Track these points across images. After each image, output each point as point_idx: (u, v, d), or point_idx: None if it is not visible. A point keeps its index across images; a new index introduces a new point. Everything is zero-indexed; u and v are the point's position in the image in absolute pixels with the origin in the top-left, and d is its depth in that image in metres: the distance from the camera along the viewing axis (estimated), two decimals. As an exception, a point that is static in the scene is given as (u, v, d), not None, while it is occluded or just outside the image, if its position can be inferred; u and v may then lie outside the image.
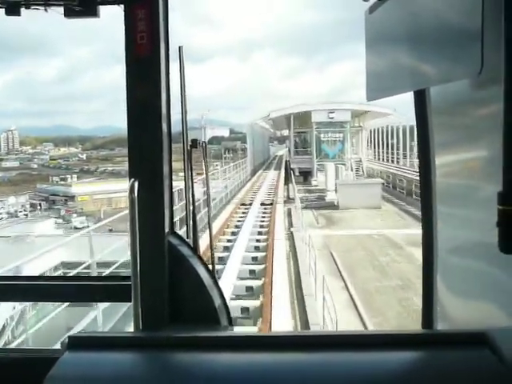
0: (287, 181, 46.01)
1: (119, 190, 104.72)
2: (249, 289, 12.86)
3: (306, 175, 52.95)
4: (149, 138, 2.23)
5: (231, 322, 2.36)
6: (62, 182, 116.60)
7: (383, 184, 35.05)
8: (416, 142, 2.17)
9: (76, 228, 79.26)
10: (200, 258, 2.35)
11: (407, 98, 2.10)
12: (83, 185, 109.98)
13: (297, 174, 52.39)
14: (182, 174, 2.49)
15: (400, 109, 46.31)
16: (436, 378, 1.55)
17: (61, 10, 2.21)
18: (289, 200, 34.95)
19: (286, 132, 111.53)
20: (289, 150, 79.12)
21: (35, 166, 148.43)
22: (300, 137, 58.31)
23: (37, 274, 7.37)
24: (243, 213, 24.67)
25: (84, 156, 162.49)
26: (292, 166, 53.59)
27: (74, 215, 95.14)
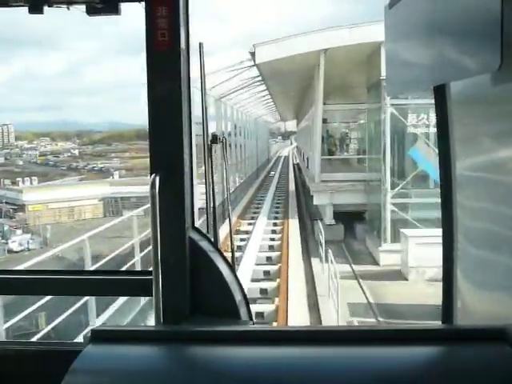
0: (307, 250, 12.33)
1: (87, 196, 77.89)
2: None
3: (349, 226, 19.30)
4: (170, 133, 2.05)
5: (251, 317, 2.17)
6: (16, 187, 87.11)
7: None
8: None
9: (11, 252, 53.47)
10: (220, 253, 2.17)
11: None
12: (41, 190, 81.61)
13: (328, 220, 18.48)
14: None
15: None
16: (453, 373, 1.42)
17: (83, 7, 2.09)
18: None
19: (291, 125, 78.49)
20: (301, 156, 45.22)
21: (21, 162, 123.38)
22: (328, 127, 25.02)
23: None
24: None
25: (76, 152, 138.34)
26: (316, 201, 19.36)
27: (19, 232, 65.76)
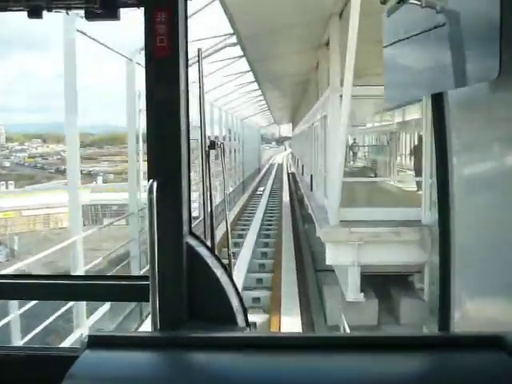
0: None
1: (66, 202, 69.60)
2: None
3: (385, 297, 10.97)
4: (167, 139, 1.97)
5: (248, 323, 2.06)
6: None
7: None
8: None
9: (-28, 265, 48.31)
10: (218, 259, 2.07)
11: None
12: (16, 195, 70.67)
13: (353, 294, 9.27)
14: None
15: None
16: (450, 381, 1.37)
17: (82, 12, 2.02)
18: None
19: (286, 130, 70.80)
20: (297, 165, 36.44)
21: (8, 164, 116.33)
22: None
23: None
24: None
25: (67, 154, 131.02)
26: (332, 260, 9.74)
27: (-15, 242, 58.72)
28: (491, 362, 1.36)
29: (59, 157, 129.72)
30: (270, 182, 40.44)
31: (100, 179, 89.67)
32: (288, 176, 45.50)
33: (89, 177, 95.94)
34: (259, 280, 13.43)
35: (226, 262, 2.14)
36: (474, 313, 1.73)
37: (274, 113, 40.62)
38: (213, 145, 2.24)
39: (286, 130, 74.59)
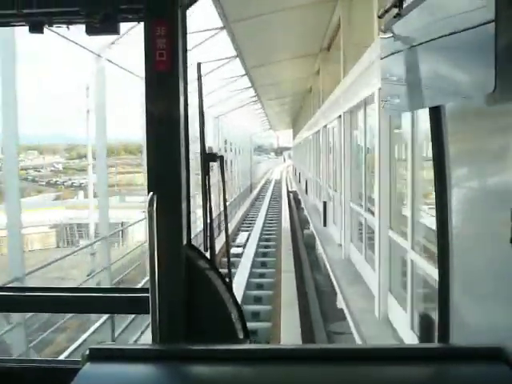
0: None
1: (39, 221, 58.70)
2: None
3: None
4: (167, 152, 2.03)
5: (248, 335, 2.08)
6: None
7: None
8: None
9: None
10: (217, 271, 2.12)
11: None
12: None
13: None
14: None
15: None
16: None
17: (82, 27, 2.07)
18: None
19: (285, 139, 60.82)
20: (302, 183, 26.96)
21: None
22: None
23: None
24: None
25: (60, 166, 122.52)
26: None
27: None
28: (491, 375, 1.32)
29: (52, 168, 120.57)
30: (262, 210, 29.08)
31: (81, 194, 76.21)
32: (288, 195, 34.35)
33: (80, 189, 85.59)
34: None
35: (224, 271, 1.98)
36: (474, 325, 1.69)
37: (267, 110, 29.93)
38: (212, 157, 2.18)
39: (285, 139, 64.42)
